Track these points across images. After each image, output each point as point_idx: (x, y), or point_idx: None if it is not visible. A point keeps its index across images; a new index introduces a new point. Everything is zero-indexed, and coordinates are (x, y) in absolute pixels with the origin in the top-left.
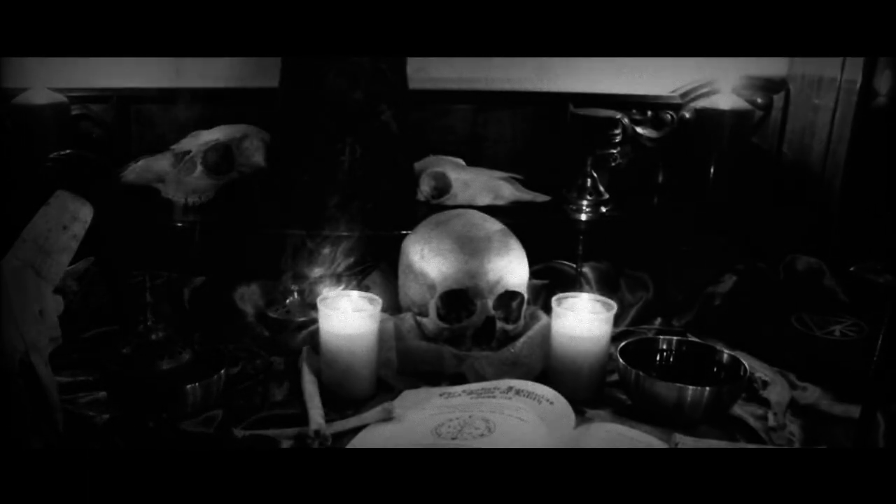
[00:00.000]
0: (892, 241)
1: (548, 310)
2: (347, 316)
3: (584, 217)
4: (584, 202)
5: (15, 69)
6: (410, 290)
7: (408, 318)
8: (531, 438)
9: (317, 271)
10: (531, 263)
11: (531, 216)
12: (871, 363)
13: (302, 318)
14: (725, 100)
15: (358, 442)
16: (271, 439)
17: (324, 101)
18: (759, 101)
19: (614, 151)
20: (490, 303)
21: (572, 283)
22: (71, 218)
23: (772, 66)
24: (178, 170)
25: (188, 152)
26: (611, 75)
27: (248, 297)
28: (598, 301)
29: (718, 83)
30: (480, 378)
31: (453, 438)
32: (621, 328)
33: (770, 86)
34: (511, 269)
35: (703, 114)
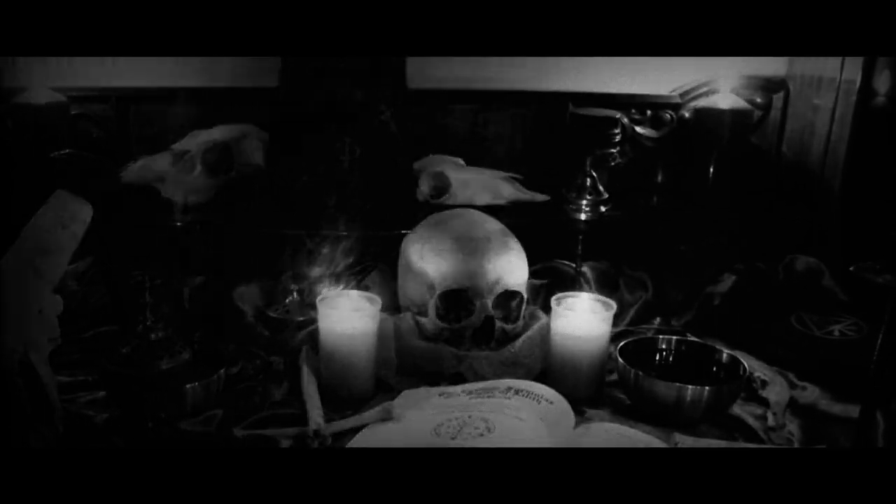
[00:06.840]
0: (892, 241)
1: (547, 309)
2: (347, 316)
3: (583, 217)
4: (584, 202)
5: (15, 69)
6: (410, 290)
7: (407, 318)
8: (531, 438)
9: (316, 271)
10: (531, 263)
11: (531, 216)
12: (870, 363)
13: (301, 318)
14: (725, 99)
15: (357, 442)
16: (271, 439)
17: (324, 101)
18: (759, 100)
19: (614, 151)
20: (489, 302)
21: (572, 283)
22: (70, 217)
23: (771, 66)
24: (177, 170)
25: (187, 152)
26: (610, 75)
27: (248, 297)
28: (598, 301)
29: (718, 83)
30: (480, 378)
31: (453, 438)
32: (621, 328)
33: (769, 85)
34: (510, 268)
35: (702, 113)
